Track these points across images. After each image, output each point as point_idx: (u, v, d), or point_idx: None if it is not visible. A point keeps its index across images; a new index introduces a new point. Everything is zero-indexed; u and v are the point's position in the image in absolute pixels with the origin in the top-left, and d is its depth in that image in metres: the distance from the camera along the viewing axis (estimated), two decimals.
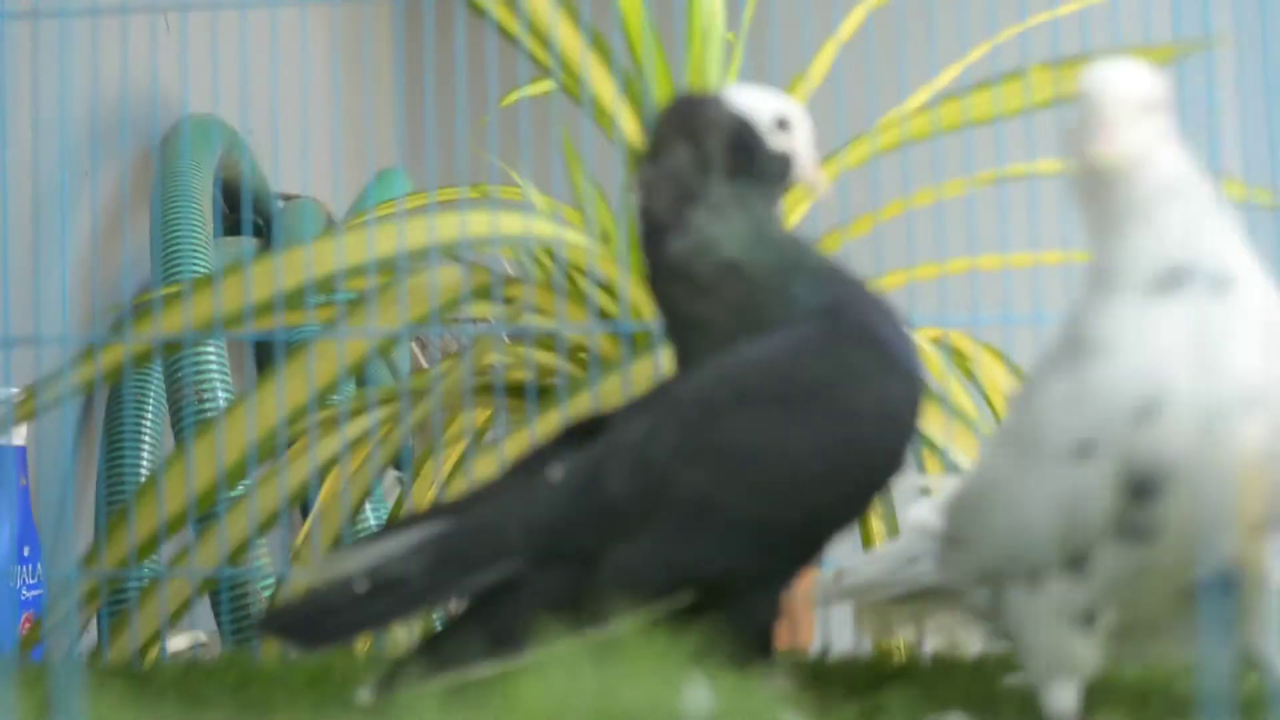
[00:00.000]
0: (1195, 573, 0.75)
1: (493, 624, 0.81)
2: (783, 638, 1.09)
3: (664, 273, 0.85)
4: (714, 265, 0.84)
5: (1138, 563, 0.75)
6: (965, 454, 1.09)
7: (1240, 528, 0.74)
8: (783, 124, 0.87)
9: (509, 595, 0.82)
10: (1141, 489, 0.74)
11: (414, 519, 0.85)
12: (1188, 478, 0.73)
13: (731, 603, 0.81)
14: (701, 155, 0.85)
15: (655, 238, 0.85)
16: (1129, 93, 0.76)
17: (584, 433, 0.85)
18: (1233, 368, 0.74)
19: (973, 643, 1.02)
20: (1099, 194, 0.77)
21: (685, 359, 0.85)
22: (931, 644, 1.01)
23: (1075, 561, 0.76)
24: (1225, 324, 0.75)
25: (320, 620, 0.83)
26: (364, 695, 0.82)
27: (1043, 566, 0.78)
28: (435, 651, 0.82)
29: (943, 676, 0.92)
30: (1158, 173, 0.77)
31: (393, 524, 0.86)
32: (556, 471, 0.83)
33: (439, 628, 0.86)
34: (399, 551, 0.83)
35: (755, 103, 0.86)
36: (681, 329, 0.85)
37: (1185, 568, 0.75)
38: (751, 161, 0.85)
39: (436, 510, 0.86)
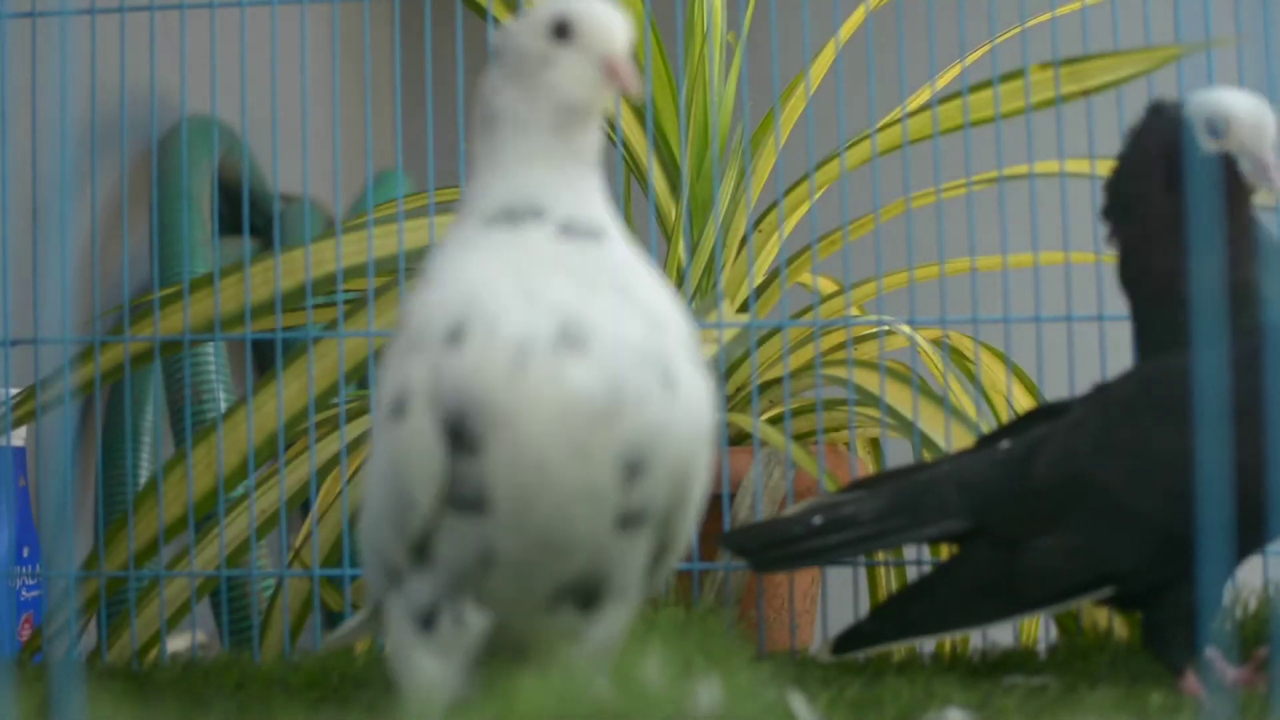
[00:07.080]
0: (555, 570, 0.68)
1: (928, 600, 0.88)
2: (782, 636, 1.10)
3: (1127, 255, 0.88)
4: (1172, 262, 0.85)
5: (479, 541, 0.68)
6: None
7: (593, 507, 0.67)
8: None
9: (942, 574, 0.88)
10: (460, 432, 0.67)
11: (875, 479, 0.92)
12: (506, 419, 0.66)
13: (1152, 601, 0.84)
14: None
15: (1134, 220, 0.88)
16: (626, 28, 0.72)
17: (1048, 414, 0.89)
18: (555, 304, 0.68)
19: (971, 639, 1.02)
20: (561, 130, 0.73)
21: (1142, 350, 0.88)
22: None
23: (419, 548, 0.70)
24: (563, 263, 0.69)
25: (776, 545, 0.91)
26: (821, 653, 0.92)
27: (399, 564, 0.71)
28: (884, 619, 0.90)
29: (941, 674, 0.92)
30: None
31: (855, 482, 0.93)
32: (1005, 444, 0.89)
33: (893, 596, 0.92)
34: (854, 497, 0.90)
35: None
36: (1139, 316, 0.88)
37: (538, 557, 0.68)
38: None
39: (898, 471, 0.93)
